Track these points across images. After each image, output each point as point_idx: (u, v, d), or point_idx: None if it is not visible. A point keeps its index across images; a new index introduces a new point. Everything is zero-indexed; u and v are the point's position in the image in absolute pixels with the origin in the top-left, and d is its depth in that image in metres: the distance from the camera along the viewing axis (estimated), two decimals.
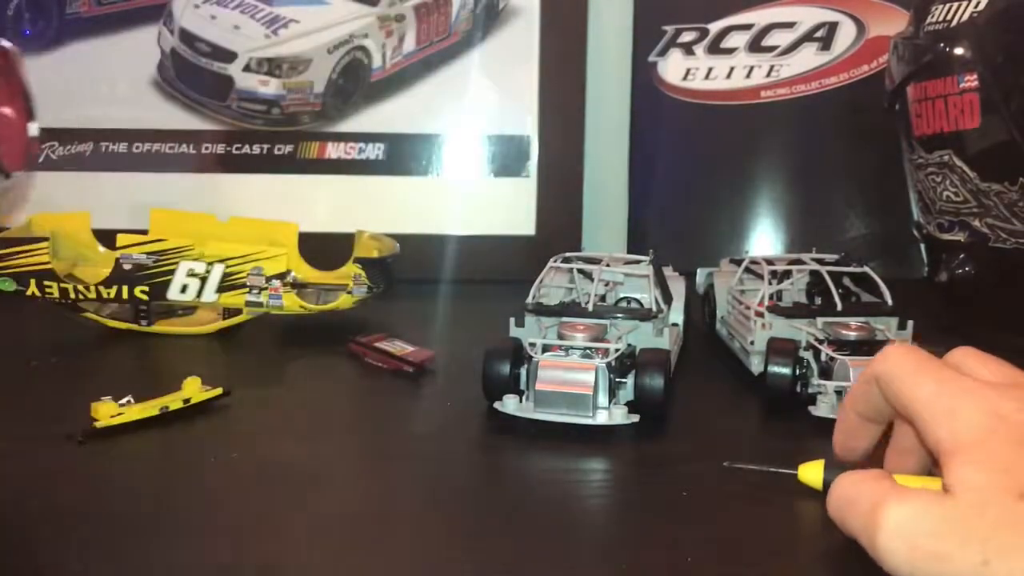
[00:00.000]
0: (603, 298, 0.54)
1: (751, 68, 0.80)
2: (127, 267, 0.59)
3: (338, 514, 0.36)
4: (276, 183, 0.79)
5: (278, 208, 0.73)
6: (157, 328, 0.61)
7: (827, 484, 0.35)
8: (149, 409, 0.44)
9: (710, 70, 0.81)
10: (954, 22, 0.58)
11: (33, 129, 0.45)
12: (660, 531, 0.36)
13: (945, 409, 0.32)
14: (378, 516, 0.36)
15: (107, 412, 0.43)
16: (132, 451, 0.42)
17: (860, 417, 0.37)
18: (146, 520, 0.35)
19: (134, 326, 0.61)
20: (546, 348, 0.46)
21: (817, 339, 0.48)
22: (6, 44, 0.43)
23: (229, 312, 0.61)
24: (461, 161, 0.79)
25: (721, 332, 0.60)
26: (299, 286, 0.61)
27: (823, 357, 0.47)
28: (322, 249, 0.65)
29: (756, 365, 0.52)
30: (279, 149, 0.79)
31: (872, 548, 0.30)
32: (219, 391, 0.47)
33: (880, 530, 0.30)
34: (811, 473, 0.38)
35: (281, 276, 0.60)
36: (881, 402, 0.35)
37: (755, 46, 0.80)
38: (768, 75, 0.80)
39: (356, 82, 0.78)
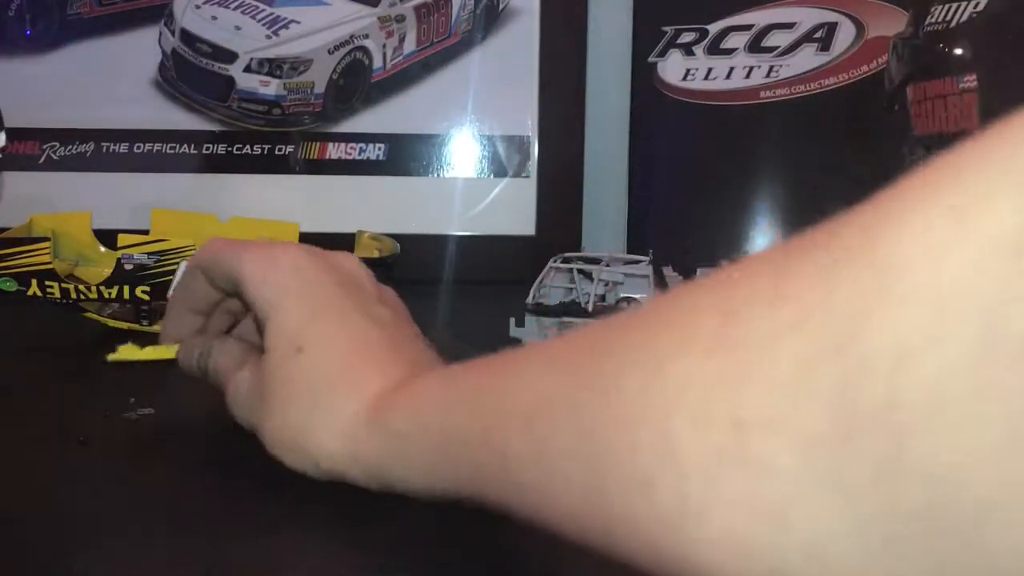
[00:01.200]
0: (603, 298, 0.54)
1: (751, 69, 0.81)
2: (128, 267, 0.59)
3: (334, 512, 0.36)
4: (277, 183, 0.79)
5: (278, 208, 0.73)
6: (158, 328, 0.61)
7: None
8: (165, 352, 0.44)
9: (710, 70, 0.81)
10: (953, 23, 0.58)
11: (1, 139, 0.46)
12: None
13: (261, 279, 0.37)
14: (378, 514, 0.36)
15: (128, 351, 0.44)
16: (134, 451, 0.42)
17: (187, 309, 0.41)
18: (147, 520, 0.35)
19: (135, 326, 0.61)
20: None
21: None
22: None
23: None
24: (461, 161, 0.79)
25: None
26: None
27: None
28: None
29: None
30: (279, 149, 0.79)
31: (226, 400, 0.38)
32: None
33: (227, 390, 0.38)
34: None
35: None
36: (205, 290, 0.40)
37: (754, 47, 0.80)
38: (768, 76, 0.80)
39: (357, 83, 0.79)
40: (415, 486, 0.32)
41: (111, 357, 0.43)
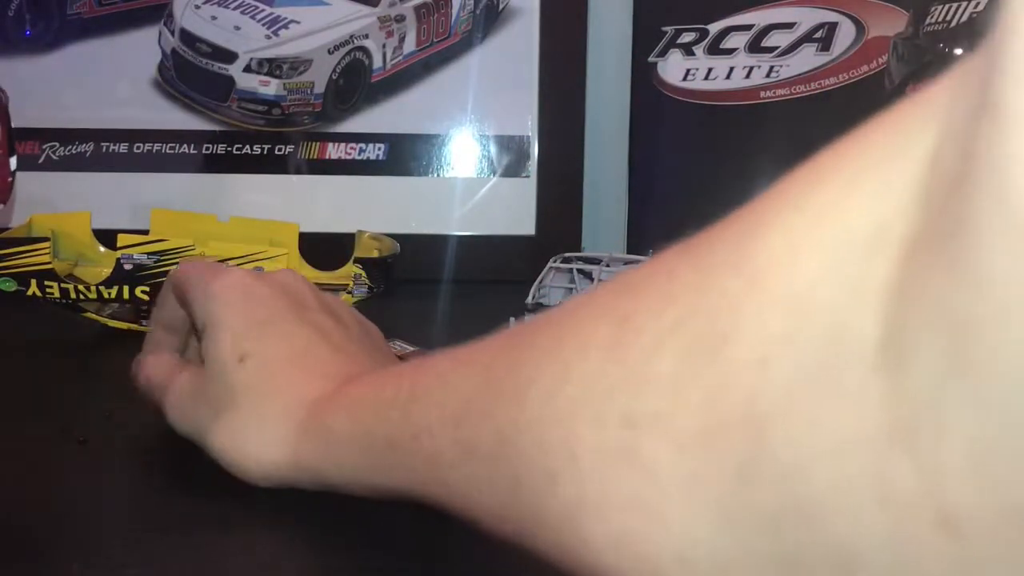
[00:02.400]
0: None
1: (751, 69, 0.81)
2: (128, 267, 0.59)
3: (333, 512, 0.36)
4: (277, 183, 0.79)
5: (278, 208, 0.73)
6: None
7: None
8: None
9: (710, 70, 0.81)
10: (954, 23, 0.58)
11: (13, 163, 0.46)
12: None
13: (203, 293, 0.38)
14: (377, 516, 0.36)
15: None
16: (134, 451, 0.42)
17: (161, 326, 0.42)
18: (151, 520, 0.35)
19: (135, 326, 0.61)
20: None
21: None
22: None
23: None
24: (461, 161, 0.79)
25: None
26: None
27: None
28: (322, 249, 0.65)
29: None
30: (279, 149, 0.79)
31: (164, 412, 0.38)
32: None
33: (166, 399, 0.38)
34: None
35: None
36: (173, 307, 0.41)
37: (755, 47, 0.80)
38: (768, 76, 0.80)
39: (357, 83, 0.79)
40: (353, 487, 0.33)
41: None
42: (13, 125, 0.78)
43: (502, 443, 0.24)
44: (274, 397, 0.35)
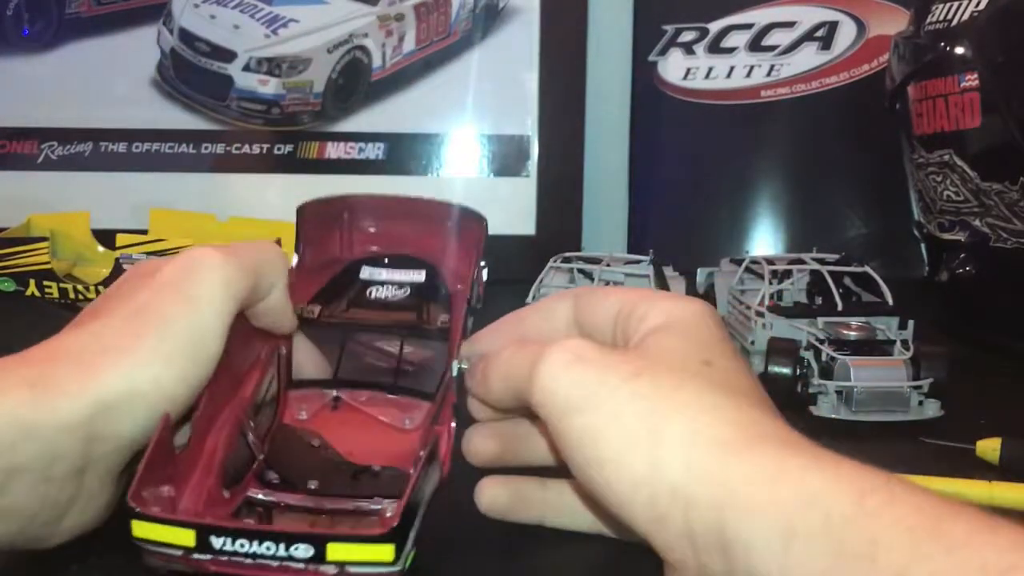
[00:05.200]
0: None
1: (751, 68, 0.80)
2: (127, 267, 0.59)
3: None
4: (275, 183, 0.79)
5: (277, 208, 0.73)
6: None
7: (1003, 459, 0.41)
8: None
9: (710, 69, 0.81)
10: (955, 21, 0.58)
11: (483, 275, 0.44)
12: None
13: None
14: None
15: None
16: None
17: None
18: None
19: None
20: None
21: (818, 339, 0.48)
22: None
23: None
24: (461, 161, 0.79)
25: None
26: None
27: (824, 357, 0.47)
28: None
29: (757, 365, 0.52)
30: (279, 149, 0.79)
31: (533, 378, 0.28)
32: None
33: (546, 357, 0.28)
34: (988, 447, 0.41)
35: None
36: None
37: (755, 45, 0.80)
38: (768, 74, 0.80)
39: (356, 82, 0.78)
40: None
41: None
42: (13, 125, 0.78)
43: None
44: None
